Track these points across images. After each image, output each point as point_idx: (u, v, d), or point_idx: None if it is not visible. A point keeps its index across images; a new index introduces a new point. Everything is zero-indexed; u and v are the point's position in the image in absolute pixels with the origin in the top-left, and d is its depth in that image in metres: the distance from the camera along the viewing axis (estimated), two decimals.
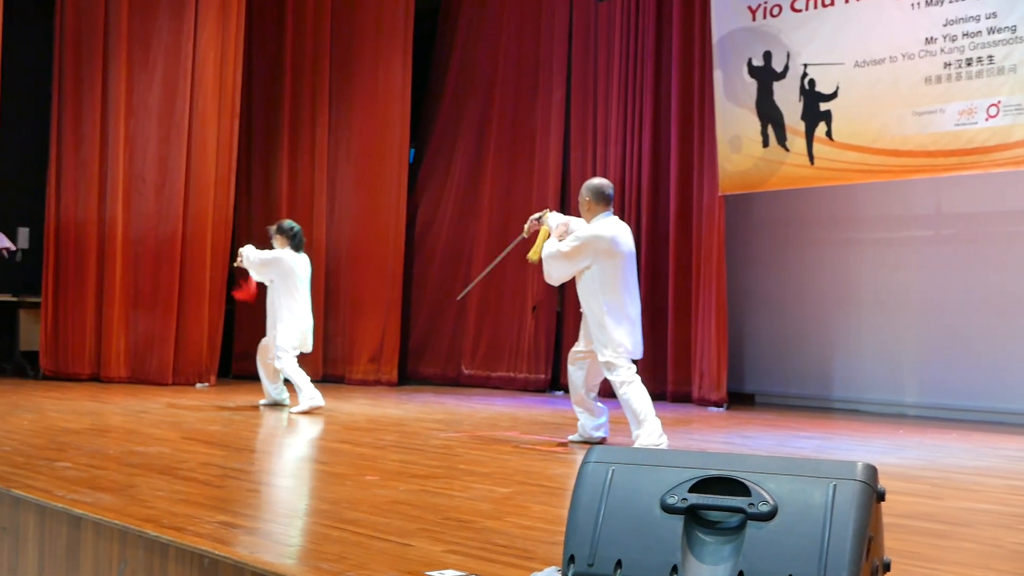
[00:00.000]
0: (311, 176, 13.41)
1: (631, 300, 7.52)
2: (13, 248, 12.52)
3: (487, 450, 7.17)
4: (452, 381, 13.55)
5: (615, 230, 7.42)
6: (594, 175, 12.87)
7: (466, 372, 13.58)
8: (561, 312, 13.15)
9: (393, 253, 13.26)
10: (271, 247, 9.84)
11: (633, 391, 7.27)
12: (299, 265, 9.68)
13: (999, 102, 9.20)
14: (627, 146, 12.53)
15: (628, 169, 12.48)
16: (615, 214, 7.68)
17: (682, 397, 11.86)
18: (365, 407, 10.25)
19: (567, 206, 13.16)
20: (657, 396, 11.94)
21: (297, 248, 9.73)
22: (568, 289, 13.07)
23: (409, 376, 13.75)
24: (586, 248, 7.34)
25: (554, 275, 7.56)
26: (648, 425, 7.21)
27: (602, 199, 7.46)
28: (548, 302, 13.15)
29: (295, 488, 5.67)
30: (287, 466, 6.39)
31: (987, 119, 9.28)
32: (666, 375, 12.03)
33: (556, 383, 13.06)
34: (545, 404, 11.37)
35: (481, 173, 13.85)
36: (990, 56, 9.30)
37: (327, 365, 13.16)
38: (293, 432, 8.15)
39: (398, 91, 13.41)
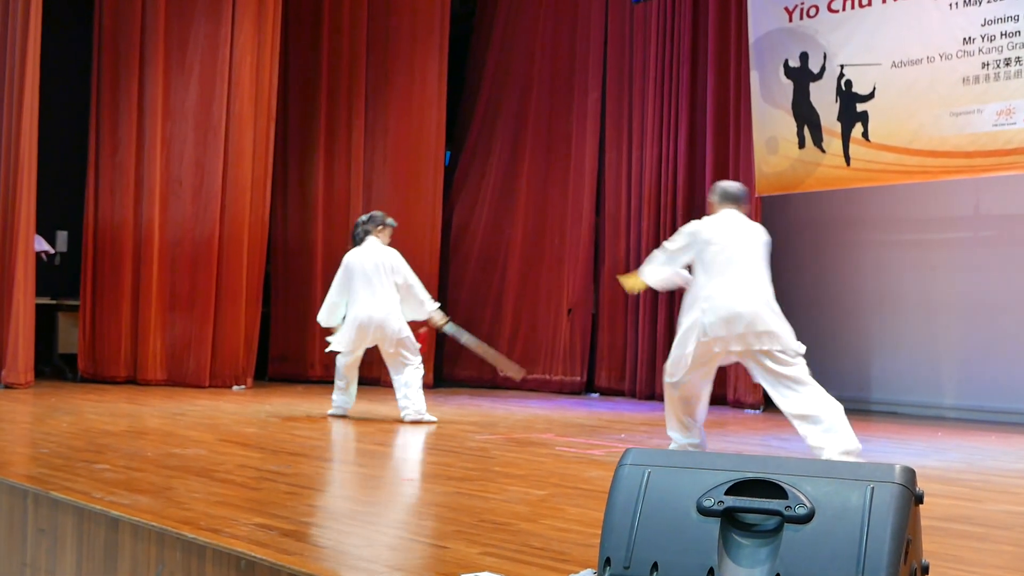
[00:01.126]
0: (347, 179, 13.44)
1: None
2: (52, 251, 12.63)
3: (523, 452, 7.17)
4: (487, 383, 13.55)
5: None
6: (629, 178, 12.86)
7: (501, 375, 13.59)
8: (596, 314, 13.13)
9: (429, 256, 13.26)
10: (349, 247, 9.44)
11: None
12: (352, 260, 9.36)
13: None
14: (663, 148, 12.50)
15: (663, 171, 12.45)
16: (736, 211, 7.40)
17: (717, 399, 11.76)
18: (395, 409, 10.26)
19: (602, 208, 13.15)
20: None
21: (355, 242, 9.43)
22: (602, 292, 13.05)
23: (444, 379, 13.76)
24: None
25: None
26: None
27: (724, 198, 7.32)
28: (584, 305, 13.14)
29: (331, 490, 5.69)
30: (323, 468, 6.41)
31: None
32: None
33: (591, 385, 13.04)
34: (580, 406, 11.36)
35: (517, 176, 13.86)
36: None
37: (363, 368, 13.17)
38: (329, 435, 8.17)
39: (434, 94, 13.43)
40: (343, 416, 9.27)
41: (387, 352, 9.16)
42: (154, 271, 12.04)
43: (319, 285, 13.23)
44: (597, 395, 12.86)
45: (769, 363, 6.75)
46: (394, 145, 13.47)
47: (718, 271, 6.99)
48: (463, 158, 14.41)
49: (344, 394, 9.34)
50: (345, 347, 9.20)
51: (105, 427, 7.86)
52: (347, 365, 9.28)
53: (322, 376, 13.01)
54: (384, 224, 9.40)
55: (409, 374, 9.05)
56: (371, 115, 13.52)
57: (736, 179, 11.70)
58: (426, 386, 12.98)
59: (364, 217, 9.52)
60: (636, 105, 12.87)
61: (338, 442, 7.85)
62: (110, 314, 12.06)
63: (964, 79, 9.61)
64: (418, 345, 9.21)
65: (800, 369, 6.81)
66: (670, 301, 12.20)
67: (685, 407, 7.10)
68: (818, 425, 6.64)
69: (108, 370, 12.02)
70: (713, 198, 7.44)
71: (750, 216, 11.90)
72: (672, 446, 7.12)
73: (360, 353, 9.31)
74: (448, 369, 13.96)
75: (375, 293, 9.12)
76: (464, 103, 14.64)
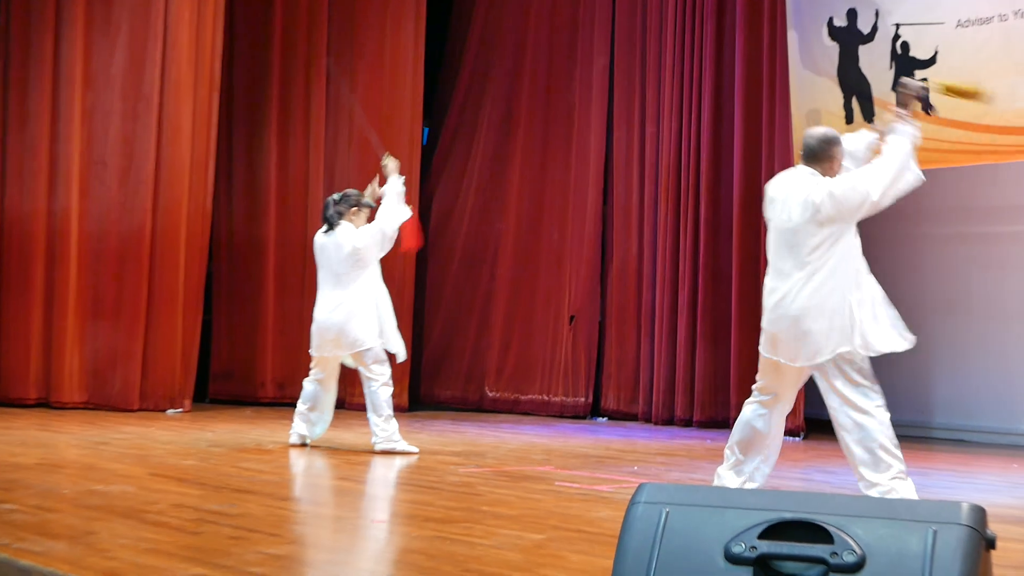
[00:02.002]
0: (305, 161, 13.43)
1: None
2: None
3: (515, 488, 7.16)
4: (473, 405, 13.55)
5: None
6: (643, 159, 12.87)
7: (490, 395, 13.58)
8: (603, 322, 13.13)
9: (403, 252, 13.24)
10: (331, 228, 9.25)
11: None
12: (318, 245, 9.29)
13: None
14: (683, 123, 12.50)
15: (684, 151, 12.46)
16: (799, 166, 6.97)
17: None
18: (369, 437, 10.25)
19: (610, 196, 13.16)
20: (720, 423, 11.95)
21: (329, 226, 9.29)
22: (610, 296, 13.06)
23: (422, 399, 13.76)
24: None
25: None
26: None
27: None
28: (588, 310, 13.15)
29: (286, 535, 5.67)
30: (276, 509, 6.39)
31: None
32: (729, 398, 11.99)
33: (598, 408, 13.04)
34: (585, 433, 11.35)
35: (508, 156, 13.86)
36: None
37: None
38: (283, 468, 8.16)
39: (409, 59, 13.42)
40: (302, 446, 9.22)
41: (353, 365, 9.15)
42: (71, 271, 12.01)
43: (271, 288, 13.22)
44: (604, 420, 12.86)
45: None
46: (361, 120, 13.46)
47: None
48: (444, 136, 14.40)
49: (304, 420, 9.27)
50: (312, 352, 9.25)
51: (13, 459, 7.83)
52: (313, 380, 9.24)
53: (276, 397, 13.00)
54: (360, 205, 9.33)
55: (375, 393, 9.02)
56: (334, 84, 13.51)
57: (771, 160, 11.74)
58: (400, 409, 12.98)
59: (336, 196, 9.40)
60: (651, 72, 12.87)
61: (295, 477, 7.84)
62: (17, 323, 12.02)
63: None
64: (384, 357, 9.15)
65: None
66: (691, 306, 12.21)
67: None
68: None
69: (15, 390, 11.98)
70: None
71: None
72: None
73: (331, 367, 9.25)
74: (426, 388, 13.97)
75: (337, 291, 9.10)
76: (445, 70, 14.64)
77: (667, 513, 2.98)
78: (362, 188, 13.32)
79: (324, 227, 9.24)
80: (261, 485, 7.11)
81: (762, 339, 6.71)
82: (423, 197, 13.90)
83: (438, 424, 11.81)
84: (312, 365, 9.26)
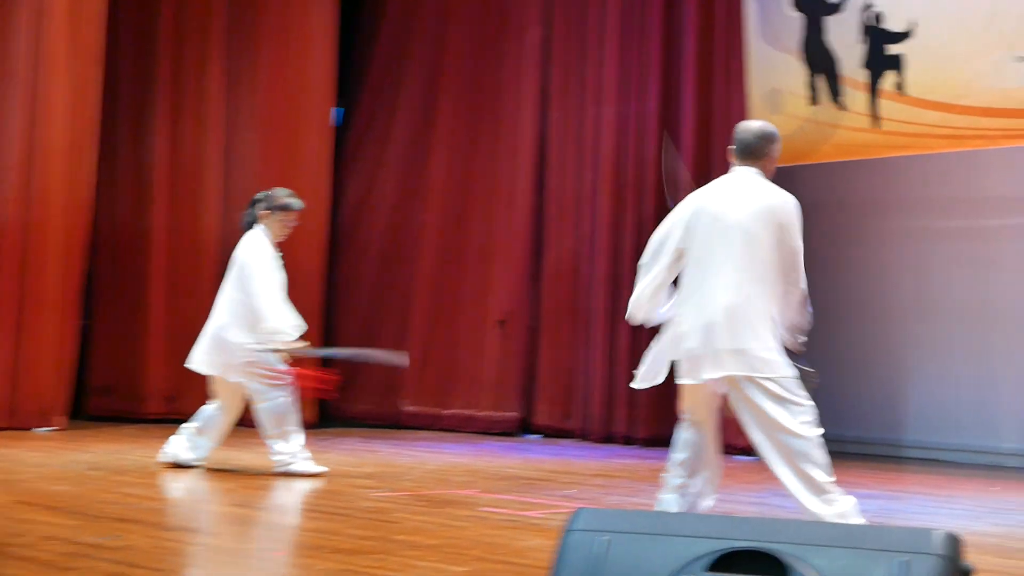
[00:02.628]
0: (200, 144, 13.34)
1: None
2: None
3: (435, 515, 7.14)
4: (389, 421, 13.51)
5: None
6: (580, 145, 12.89)
7: (408, 409, 13.55)
8: (536, 327, 13.13)
9: (312, 247, 13.18)
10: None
11: None
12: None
13: None
14: (627, 104, 12.53)
15: (627, 136, 12.48)
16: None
17: None
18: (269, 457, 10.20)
19: (544, 186, 13.16)
20: (664, 440, 11.97)
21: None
22: (544, 298, 13.07)
23: (331, 414, 13.70)
24: None
25: None
26: None
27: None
28: (519, 314, 13.14)
29: (172, 570, 5.63)
30: (163, 541, 6.34)
31: None
32: (674, 414, 12.01)
33: (529, 424, 13.04)
34: (514, 452, 11.35)
35: (430, 141, 13.83)
36: None
37: None
38: (170, 494, 8.10)
39: (320, 33, 13.37)
40: (181, 466, 9.08)
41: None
42: None
43: (160, 291, 13.12)
44: (536, 437, 12.87)
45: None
46: (265, 99, 13.38)
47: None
48: (359, 117, 14.36)
49: (189, 436, 9.19)
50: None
51: None
52: (215, 394, 9.21)
53: (163, 412, 12.89)
54: (272, 208, 9.16)
55: (265, 409, 8.98)
56: (233, 58, 13.43)
57: (726, 146, 11.77)
58: (306, 425, 12.90)
59: (261, 195, 9.32)
60: (592, 46, 12.88)
61: (185, 504, 7.78)
62: None
63: None
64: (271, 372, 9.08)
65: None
66: None
67: None
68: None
69: None
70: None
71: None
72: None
73: (227, 383, 9.17)
74: (336, 402, 13.90)
75: (219, 300, 9.16)
76: (360, 43, 14.59)
77: (608, 542, 2.97)
78: (265, 175, 13.30)
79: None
80: (145, 513, 7.05)
81: None
82: (335, 185, 13.84)
83: (348, 442, 11.77)
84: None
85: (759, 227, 6.47)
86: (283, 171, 13.27)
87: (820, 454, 6.17)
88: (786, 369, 6.24)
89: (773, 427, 6.26)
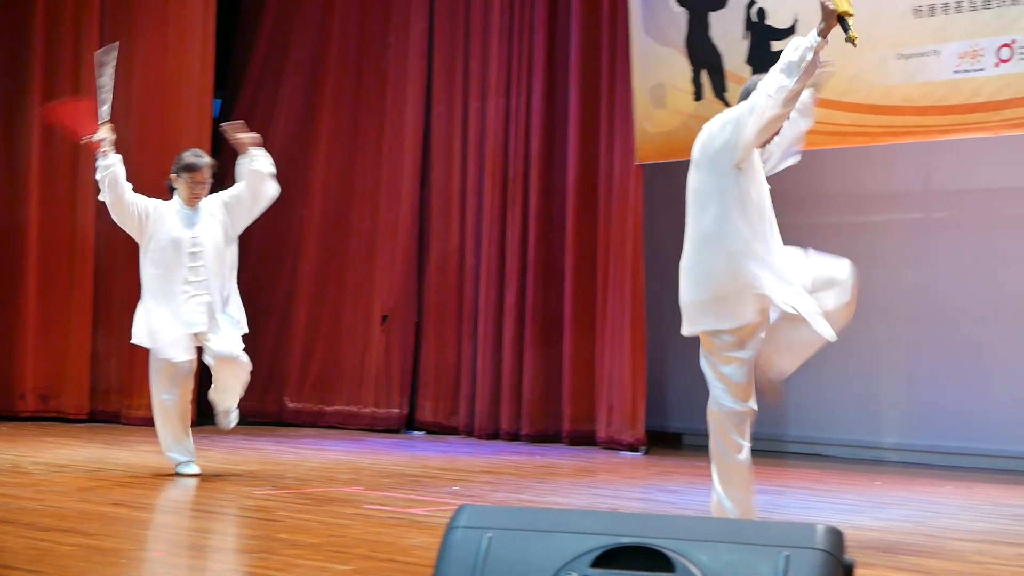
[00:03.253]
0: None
1: None
2: None
3: (318, 513, 7.12)
4: (271, 418, 13.43)
5: None
6: (466, 139, 12.89)
7: (290, 406, 13.48)
8: (420, 323, 13.12)
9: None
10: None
11: None
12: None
13: (1013, 41, 9.38)
14: (511, 98, 12.54)
15: (513, 130, 12.50)
16: None
17: (583, 438, 11.91)
18: (149, 455, 10.10)
19: (428, 180, 13.15)
20: (551, 437, 12.03)
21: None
22: (428, 293, 13.05)
23: (212, 412, 13.59)
24: None
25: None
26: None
27: None
28: (403, 310, 13.12)
29: (47, 572, 5.56)
30: (36, 541, 6.26)
31: (997, 64, 9.45)
32: (561, 408, 12.08)
33: (413, 421, 13.02)
34: (399, 449, 11.34)
35: (313, 134, 13.76)
36: None
37: (97, 398, 12.94)
38: (46, 493, 8.00)
39: (198, 21, 13.24)
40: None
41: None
42: None
43: (34, 287, 12.94)
44: (421, 434, 12.86)
45: None
46: (141, 89, 13.24)
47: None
48: (239, 108, 14.24)
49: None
50: None
51: None
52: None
53: (37, 410, 12.74)
54: (178, 170, 9.03)
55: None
56: (108, 44, 13.26)
57: (610, 141, 11.84)
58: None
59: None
60: (475, 39, 12.88)
61: (61, 503, 7.69)
62: None
63: (916, 9, 9.83)
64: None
65: None
66: (520, 306, 12.26)
67: None
68: None
69: None
70: None
71: (611, 193, 12.14)
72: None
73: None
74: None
75: None
76: (241, 34, 14.49)
77: (490, 539, 2.98)
78: (143, 167, 13.15)
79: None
80: (19, 513, 6.96)
81: None
82: (215, 179, 13.70)
83: (229, 440, 11.68)
84: None
85: None
86: (161, 163, 13.10)
87: None
88: None
89: None
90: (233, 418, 9.15)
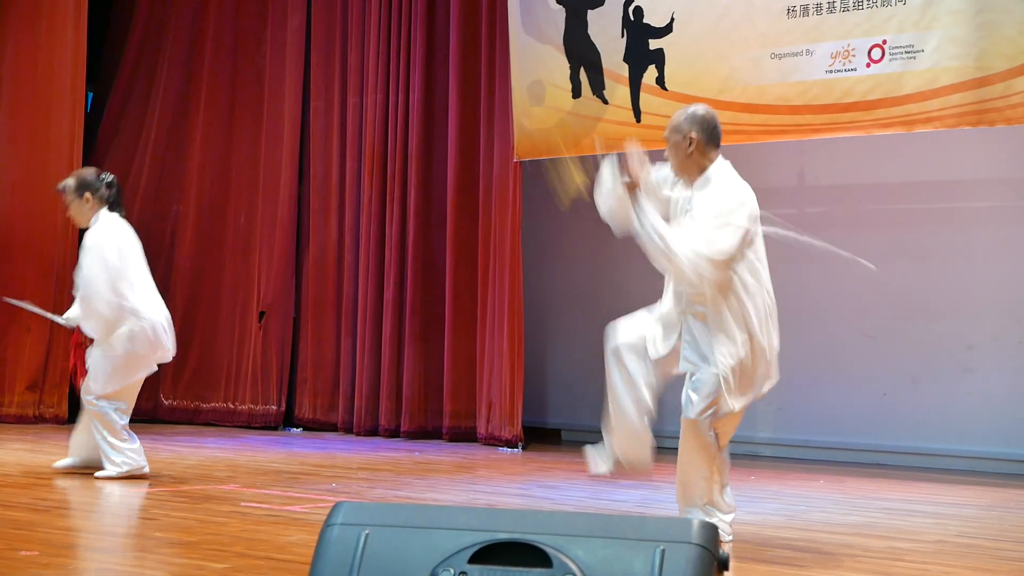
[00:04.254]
0: None
1: None
2: None
3: (194, 511, 7.08)
4: (148, 415, 13.28)
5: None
6: (344, 134, 12.85)
7: (166, 403, 13.37)
8: (298, 319, 13.07)
9: (63, 238, 12.93)
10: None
11: None
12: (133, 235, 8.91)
13: (884, 42, 9.52)
14: (390, 94, 12.52)
15: (391, 125, 12.48)
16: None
17: (463, 435, 11.93)
18: (21, 453, 9.99)
19: (306, 175, 13.10)
20: (431, 433, 12.04)
21: (114, 208, 8.87)
22: (306, 289, 13.01)
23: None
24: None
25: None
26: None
27: (715, 138, 6.72)
28: (281, 306, 13.06)
29: None
30: None
31: (869, 64, 9.59)
32: (442, 405, 12.09)
33: (291, 417, 12.97)
34: (276, 446, 11.28)
35: (188, 127, 13.66)
36: None
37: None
38: None
39: (70, 9, 13.09)
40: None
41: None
42: None
43: None
44: (299, 430, 12.81)
45: None
46: (11, 80, 13.07)
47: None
48: (112, 102, 14.10)
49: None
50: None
51: None
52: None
53: None
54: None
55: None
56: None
57: (489, 137, 11.86)
58: (57, 420, 12.67)
59: (108, 177, 8.98)
60: (353, 34, 12.85)
61: None
62: None
63: (789, 9, 9.95)
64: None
65: None
66: (399, 302, 12.26)
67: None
68: None
69: None
70: (696, 132, 6.53)
71: (491, 189, 12.17)
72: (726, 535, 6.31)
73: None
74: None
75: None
76: (114, 25, 14.33)
77: (367, 535, 2.99)
78: (14, 162, 13.00)
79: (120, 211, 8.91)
80: None
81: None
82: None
83: None
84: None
85: None
86: (32, 157, 13.00)
87: None
88: None
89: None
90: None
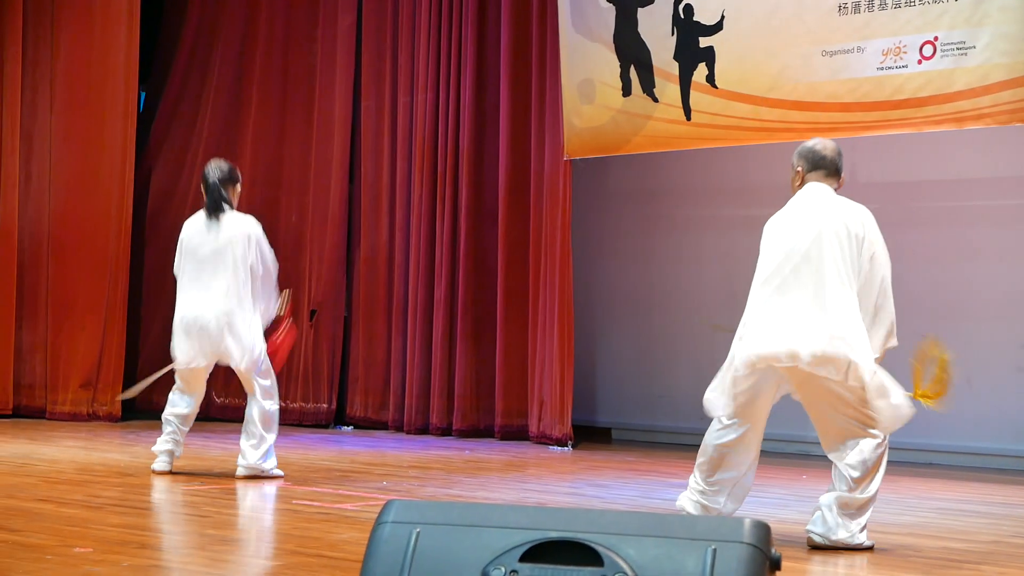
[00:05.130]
0: None
1: None
2: None
3: (246, 508, 7.10)
4: (199, 413, 13.30)
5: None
6: (395, 133, 12.86)
7: (217, 401, 13.39)
8: (349, 317, 13.09)
9: (116, 237, 12.99)
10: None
11: None
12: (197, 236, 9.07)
13: (936, 38, 9.47)
14: (440, 93, 12.52)
15: (442, 124, 12.48)
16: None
17: (515, 433, 11.92)
18: (75, 451, 10.03)
19: (357, 174, 13.12)
20: (482, 432, 12.03)
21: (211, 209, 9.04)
22: (357, 288, 13.03)
23: (138, 408, 13.50)
24: None
25: None
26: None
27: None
28: (332, 304, 13.08)
29: None
30: None
31: (920, 61, 9.54)
32: (493, 403, 12.09)
33: (342, 416, 12.99)
34: (328, 444, 11.31)
35: (240, 127, 13.69)
36: None
37: (20, 393, 12.84)
38: None
39: (122, 13, 13.14)
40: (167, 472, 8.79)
41: (239, 372, 8.89)
42: None
43: None
44: (350, 428, 12.83)
45: None
46: (65, 81, 13.13)
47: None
48: (165, 103, 14.15)
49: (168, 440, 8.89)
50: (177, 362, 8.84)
51: None
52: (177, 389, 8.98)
53: None
54: (239, 181, 9.23)
55: (253, 407, 8.86)
56: (31, 38, 13.16)
57: (540, 136, 11.85)
58: (111, 418, 12.73)
59: (217, 170, 9.07)
60: (404, 33, 12.85)
61: None
62: None
63: (840, 7, 9.90)
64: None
65: None
66: (450, 300, 12.26)
67: None
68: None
69: None
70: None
71: (542, 188, 12.16)
72: None
73: (197, 375, 8.97)
74: (143, 394, 13.63)
75: (212, 286, 8.88)
76: (167, 24, 14.39)
77: (418, 534, 2.98)
78: (67, 162, 13.07)
79: (207, 212, 8.97)
80: None
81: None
82: (140, 173, 13.62)
83: (155, 435, 11.57)
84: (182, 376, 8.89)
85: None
86: (85, 156, 13.07)
87: None
88: None
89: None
90: None
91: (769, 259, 6.73)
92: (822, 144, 6.94)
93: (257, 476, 8.43)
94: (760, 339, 6.47)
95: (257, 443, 8.59)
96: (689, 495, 6.58)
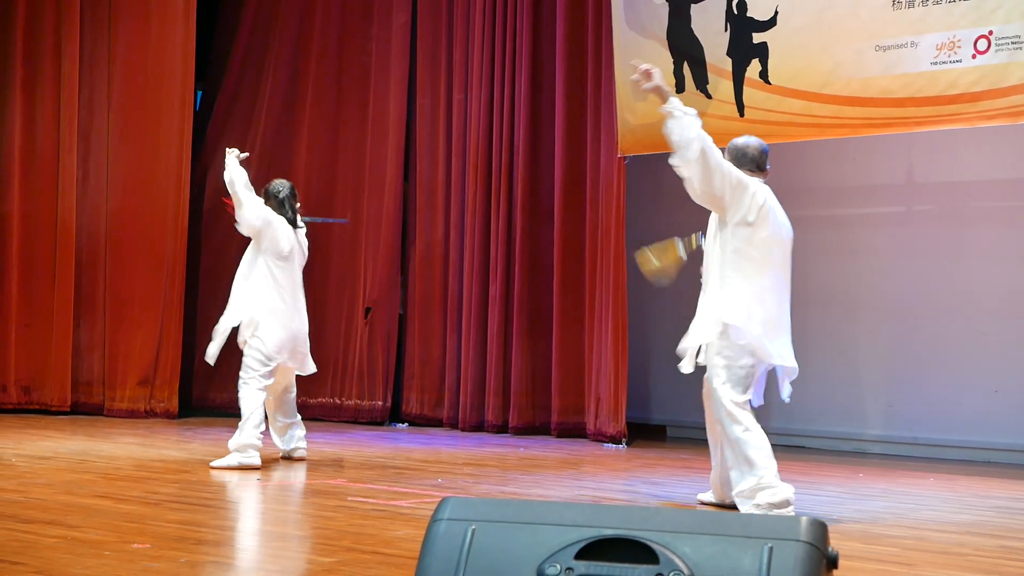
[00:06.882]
0: (55, 126, 13.13)
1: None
2: None
3: (302, 505, 7.12)
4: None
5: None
6: (450, 131, 12.88)
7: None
8: (404, 315, 13.11)
9: (173, 235, 13.06)
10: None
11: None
12: (293, 242, 9.82)
13: (991, 33, 9.40)
14: (495, 90, 12.53)
15: (497, 122, 12.49)
16: None
17: (572, 430, 11.92)
18: (133, 447, 10.09)
19: (412, 172, 13.14)
20: (538, 429, 12.03)
21: (291, 221, 9.84)
22: (412, 285, 13.04)
23: (195, 404, 13.58)
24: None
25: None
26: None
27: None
28: (387, 303, 13.11)
29: (31, 563, 5.56)
30: (20, 533, 6.26)
31: (974, 56, 9.47)
32: (550, 400, 12.08)
33: (398, 413, 13.02)
34: (383, 441, 11.34)
35: (295, 125, 13.74)
36: None
37: (79, 390, 12.92)
38: (29, 485, 7.99)
39: (179, 11, 13.21)
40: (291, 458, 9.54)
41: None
42: None
43: (14, 275, 12.90)
44: (405, 426, 12.85)
45: None
46: (123, 80, 13.21)
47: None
48: (221, 101, 14.22)
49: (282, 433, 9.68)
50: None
51: None
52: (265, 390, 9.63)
53: (21, 402, 12.72)
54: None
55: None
56: (89, 36, 13.24)
57: (595, 133, 11.84)
58: (168, 415, 12.80)
59: (286, 187, 10.12)
60: (458, 31, 12.87)
61: (44, 495, 7.69)
62: None
63: (895, 1, 9.85)
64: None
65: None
66: (505, 297, 12.26)
67: None
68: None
69: None
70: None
71: (598, 185, 12.14)
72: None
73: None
74: (199, 391, 13.78)
75: (299, 295, 9.91)
76: (223, 23, 14.45)
77: (473, 531, 2.98)
78: (125, 160, 13.14)
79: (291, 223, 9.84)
80: (2, 506, 6.96)
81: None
82: (196, 171, 13.69)
83: (212, 432, 11.67)
84: (268, 373, 9.62)
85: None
86: (143, 156, 13.15)
87: None
88: None
89: None
90: None
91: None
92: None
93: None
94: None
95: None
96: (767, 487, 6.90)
